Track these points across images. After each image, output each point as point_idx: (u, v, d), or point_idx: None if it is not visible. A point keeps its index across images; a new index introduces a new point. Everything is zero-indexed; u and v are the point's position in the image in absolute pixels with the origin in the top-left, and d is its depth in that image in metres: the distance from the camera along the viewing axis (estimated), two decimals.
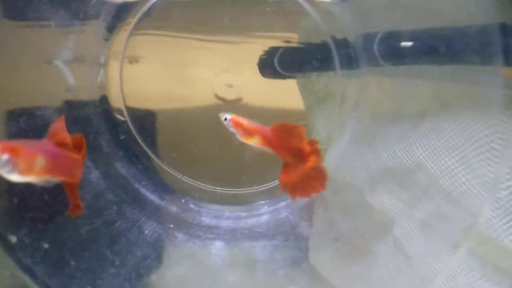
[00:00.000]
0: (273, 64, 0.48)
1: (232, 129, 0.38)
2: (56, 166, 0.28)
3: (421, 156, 0.40)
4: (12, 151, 0.25)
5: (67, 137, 0.30)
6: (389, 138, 0.43)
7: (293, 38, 0.48)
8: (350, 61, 0.46)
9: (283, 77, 0.49)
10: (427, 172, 0.39)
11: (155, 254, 0.36)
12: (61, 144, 0.29)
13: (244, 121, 0.38)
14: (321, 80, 0.49)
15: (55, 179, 0.28)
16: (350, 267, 0.40)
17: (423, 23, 0.38)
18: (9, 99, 0.38)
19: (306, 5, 0.46)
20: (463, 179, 0.36)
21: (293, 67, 0.49)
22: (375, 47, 0.43)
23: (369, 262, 0.40)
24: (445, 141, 0.38)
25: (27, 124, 0.36)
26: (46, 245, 0.32)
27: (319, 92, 0.50)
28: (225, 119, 0.38)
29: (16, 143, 0.26)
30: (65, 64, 0.43)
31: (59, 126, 0.30)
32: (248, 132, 0.37)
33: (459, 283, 0.39)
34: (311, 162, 0.35)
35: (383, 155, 0.44)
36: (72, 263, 0.33)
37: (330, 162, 0.48)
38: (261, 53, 0.47)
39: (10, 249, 0.31)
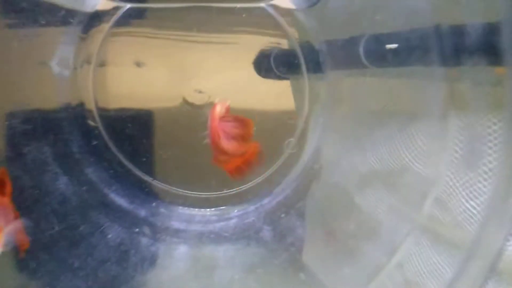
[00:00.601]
0: (270, 64, 0.49)
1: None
2: None
3: (406, 159, 0.41)
4: None
5: None
6: (376, 141, 0.44)
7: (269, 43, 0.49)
8: (317, 65, 0.46)
9: (278, 77, 0.50)
10: (413, 174, 0.39)
11: (115, 258, 0.38)
12: None
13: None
14: (306, 82, 0.50)
15: None
16: (342, 267, 0.41)
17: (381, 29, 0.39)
18: None
19: (273, 12, 0.46)
20: (450, 183, 0.37)
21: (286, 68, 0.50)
22: (360, 49, 0.43)
23: (360, 261, 0.40)
24: (429, 142, 0.39)
25: None
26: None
27: (304, 93, 0.50)
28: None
29: None
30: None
31: None
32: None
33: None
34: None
35: (370, 158, 0.45)
36: (32, 265, 0.34)
37: (304, 166, 0.49)
38: (233, 59, 0.48)
39: None
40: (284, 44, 0.48)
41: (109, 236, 0.39)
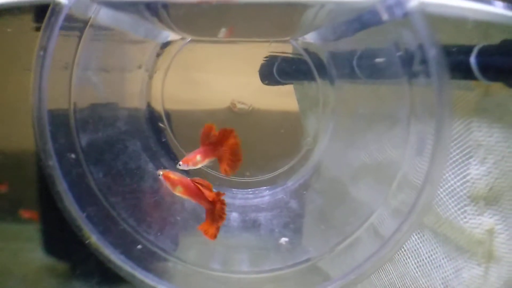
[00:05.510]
0: (272, 72, 0.60)
1: (164, 182, 0.47)
2: None
3: (392, 155, 0.48)
4: None
5: None
6: (367, 140, 0.52)
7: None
8: (325, 74, 0.60)
9: (281, 83, 0.61)
10: (396, 166, 0.45)
11: (193, 218, 0.54)
12: None
13: (171, 174, 0.47)
14: (312, 87, 0.61)
15: None
16: (338, 252, 0.46)
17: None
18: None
19: (294, 44, 0.63)
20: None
21: (289, 75, 0.62)
22: (354, 62, 0.52)
23: (353, 246, 0.45)
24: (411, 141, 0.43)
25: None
26: None
27: (310, 97, 0.62)
28: (159, 175, 0.48)
29: None
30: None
31: None
32: (173, 183, 0.47)
33: (423, 259, 0.50)
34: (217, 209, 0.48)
35: (362, 154, 0.53)
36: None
37: (317, 159, 0.62)
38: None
39: None
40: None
41: (185, 204, 0.55)
